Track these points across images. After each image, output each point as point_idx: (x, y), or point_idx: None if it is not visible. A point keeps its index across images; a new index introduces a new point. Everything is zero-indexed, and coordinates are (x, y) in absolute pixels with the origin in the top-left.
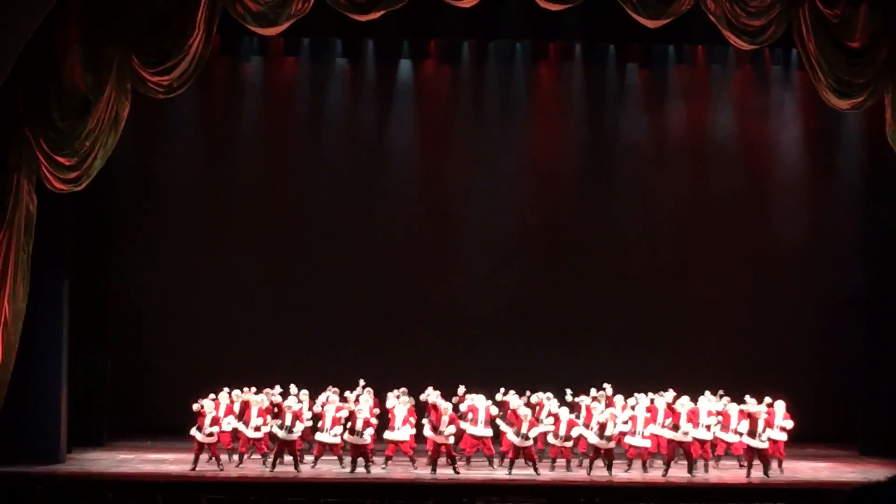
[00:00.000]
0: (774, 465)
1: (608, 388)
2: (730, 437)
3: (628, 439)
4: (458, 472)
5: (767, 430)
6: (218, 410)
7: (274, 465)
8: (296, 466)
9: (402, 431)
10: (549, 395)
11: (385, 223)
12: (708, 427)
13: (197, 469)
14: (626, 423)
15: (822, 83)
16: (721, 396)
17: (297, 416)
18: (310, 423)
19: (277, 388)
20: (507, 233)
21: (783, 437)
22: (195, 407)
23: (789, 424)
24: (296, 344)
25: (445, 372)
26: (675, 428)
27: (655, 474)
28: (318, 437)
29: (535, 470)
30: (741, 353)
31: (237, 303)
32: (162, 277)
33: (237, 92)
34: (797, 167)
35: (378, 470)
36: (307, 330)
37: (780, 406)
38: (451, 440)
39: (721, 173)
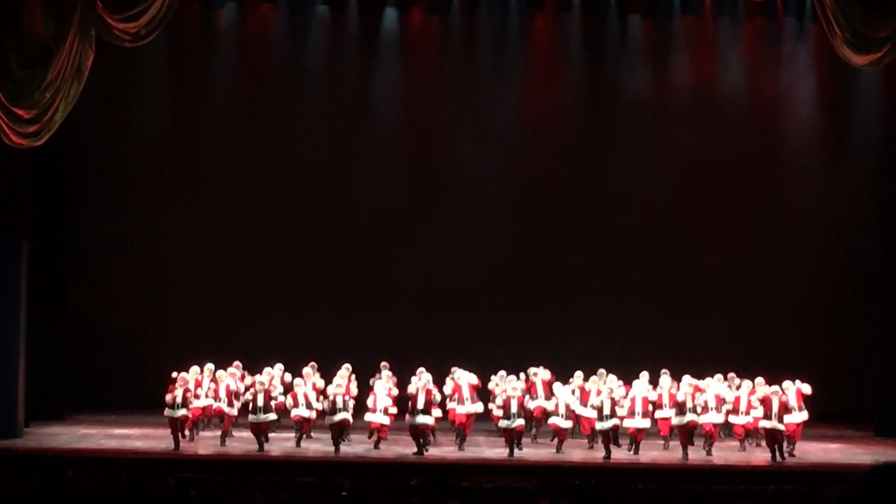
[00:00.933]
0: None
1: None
2: (741, 420)
3: (627, 421)
4: (422, 454)
5: (784, 413)
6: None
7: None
8: (260, 447)
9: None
10: (539, 370)
11: (369, 184)
12: (718, 409)
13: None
14: (622, 405)
15: (838, 37)
16: (733, 380)
17: (268, 395)
18: (283, 400)
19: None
20: (499, 195)
21: (800, 417)
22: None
23: (807, 389)
24: (271, 313)
25: (431, 342)
26: (682, 412)
27: (651, 455)
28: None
29: (513, 449)
30: (749, 328)
31: (208, 268)
32: (127, 241)
33: (210, 41)
34: (810, 127)
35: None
36: (283, 298)
37: (791, 387)
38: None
39: (729, 132)
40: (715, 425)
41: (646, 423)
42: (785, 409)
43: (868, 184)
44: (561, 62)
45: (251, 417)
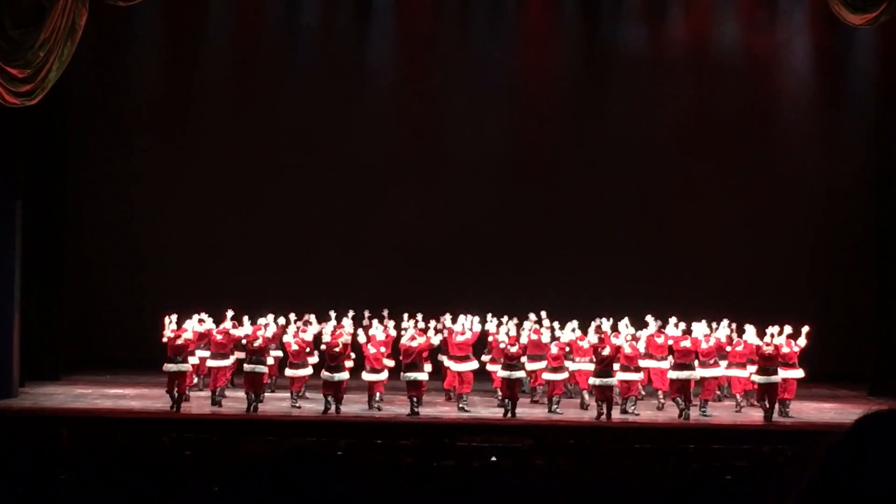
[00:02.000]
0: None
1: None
2: (736, 373)
3: (622, 375)
4: (416, 413)
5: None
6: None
7: (250, 405)
8: (255, 404)
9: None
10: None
11: (364, 142)
12: (716, 363)
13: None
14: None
15: None
16: (732, 332)
17: (262, 347)
18: (279, 354)
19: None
20: (495, 152)
21: (795, 374)
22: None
23: (802, 342)
24: (265, 270)
25: (425, 296)
26: (684, 366)
27: (647, 414)
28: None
29: (515, 406)
30: (742, 286)
31: (203, 227)
32: (122, 199)
33: (204, 0)
34: (806, 85)
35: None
36: (278, 255)
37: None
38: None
39: (724, 89)
40: (715, 378)
41: (636, 377)
42: (779, 357)
43: (862, 141)
44: (556, 19)
45: (248, 367)
